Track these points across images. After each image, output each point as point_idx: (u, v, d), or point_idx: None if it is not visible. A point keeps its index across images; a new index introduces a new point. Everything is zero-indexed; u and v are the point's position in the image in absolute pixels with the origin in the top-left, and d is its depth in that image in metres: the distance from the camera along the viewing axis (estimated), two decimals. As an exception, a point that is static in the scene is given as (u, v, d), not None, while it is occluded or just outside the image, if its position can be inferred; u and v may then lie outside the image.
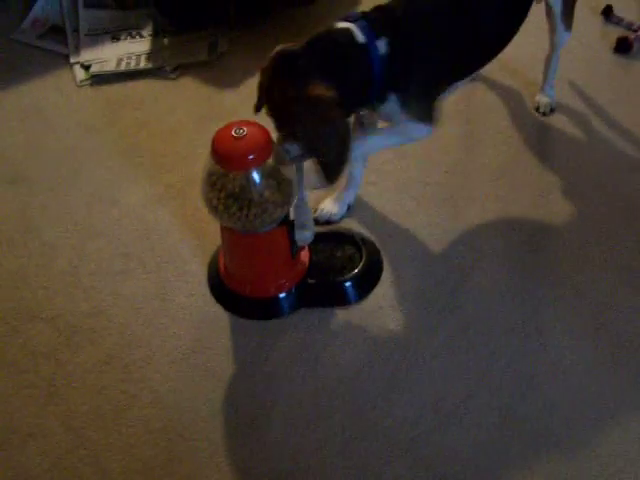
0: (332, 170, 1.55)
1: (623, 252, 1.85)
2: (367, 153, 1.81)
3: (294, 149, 1.56)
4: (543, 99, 2.19)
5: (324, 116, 1.49)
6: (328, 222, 1.91)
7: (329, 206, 1.92)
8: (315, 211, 1.92)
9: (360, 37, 1.54)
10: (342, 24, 1.57)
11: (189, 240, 1.91)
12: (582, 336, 1.69)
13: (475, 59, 1.80)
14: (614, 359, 1.65)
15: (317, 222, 1.88)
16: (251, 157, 1.51)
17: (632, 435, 1.53)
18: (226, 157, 1.52)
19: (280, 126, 1.57)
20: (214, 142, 1.53)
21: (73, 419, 1.59)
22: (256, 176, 1.55)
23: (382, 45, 1.56)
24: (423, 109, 1.67)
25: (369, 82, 1.57)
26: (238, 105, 2.27)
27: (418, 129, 1.69)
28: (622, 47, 2.39)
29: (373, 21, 1.57)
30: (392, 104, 1.63)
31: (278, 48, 1.55)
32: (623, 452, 1.50)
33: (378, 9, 1.62)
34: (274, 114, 1.56)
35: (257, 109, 1.62)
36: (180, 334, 1.72)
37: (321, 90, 1.47)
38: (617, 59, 2.39)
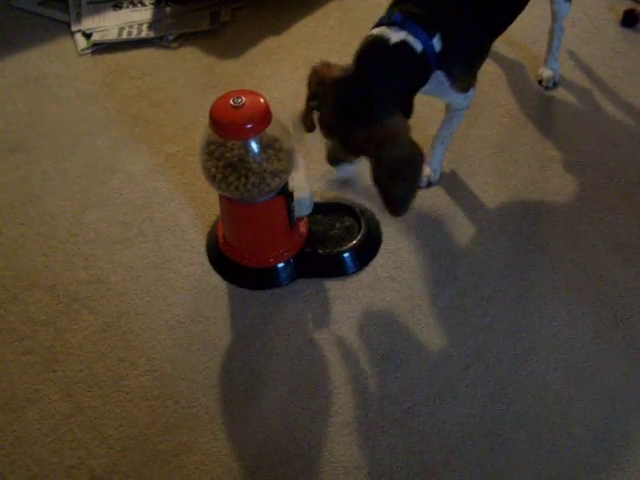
0: (401, 202, 1.52)
1: (623, 228, 1.84)
2: (441, 158, 1.93)
3: (350, 170, 1.58)
4: (546, 72, 2.17)
5: (407, 156, 1.46)
6: (429, 185, 1.93)
7: (424, 170, 1.90)
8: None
9: (418, 46, 1.49)
10: (395, 35, 1.48)
11: (189, 209, 1.91)
12: (579, 311, 1.69)
13: (504, 19, 1.78)
14: (611, 335, 1.65)
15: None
16: (249, 126, 1.50)
17: (627, 410, 1.53)
18: (224, 126, 1.51)
19: (347, 152, 1.52)
20: (212, 111, 1.52)
21: (71, 386, 1.61)
22: (254, 145, 1.54)
23: (437, 42, 1.52)
24: (470, 82, 1.71)
25: (427, 78, 1.57)
26: (240, 75, 2.26)
27: (467, 98, 1.75)
28: (629, 20, 2.36)
29: (420, 17, 1.51)
30: (439, 78, 1.62)
31: (325, 72, 1.50)
32: (618, 427, 1.51)
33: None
34: (342, 144, 1.50)
35: (309, 130, 1.59)
36: (178, 303, 1.73)
37: (400, 125, 1.45)
38: (623, 32, 2.36)
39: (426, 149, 1.94)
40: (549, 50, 2.15)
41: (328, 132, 1.51)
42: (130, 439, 1.53)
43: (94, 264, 1.82)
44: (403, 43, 1.48)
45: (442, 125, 1.86)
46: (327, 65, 1.52)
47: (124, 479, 1.48)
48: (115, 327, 1.70)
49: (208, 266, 1.80)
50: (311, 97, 1.55)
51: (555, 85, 2.18)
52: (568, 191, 1.92)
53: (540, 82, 2.18)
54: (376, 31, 1.51)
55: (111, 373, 1.62)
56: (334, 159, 1.58)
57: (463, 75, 1.67)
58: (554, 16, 2.08)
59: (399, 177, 1.48)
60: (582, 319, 1.67)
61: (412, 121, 1.51)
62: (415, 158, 1.49)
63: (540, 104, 2.14)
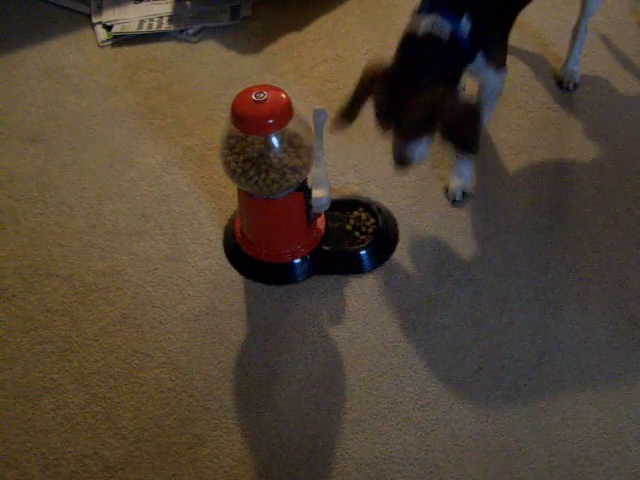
0: (474, 143, 1.63)
1: (637, 237, 1.83)
2: (470, 165, 1.92)
3: (421, 148, 1.61)
4: (567, 74, 2.16)
5: (465, 108, 1.60)
6: (464, 195, 1.91)
7: (457, 182, 1.91)
8: (447, 191, 1.92)
9: (446, 30, 1.55)
10: (424, 22, 1.56)
11: (206, 203, 1.92)
12: (595, 314, 1.68)
13: None
14: (627, 338, 1.64)
15: (454, 201, 1.90)
16: (270, 121, 1.51)
17: (639, 418, 1.54)
18: (245, 120, 1.51)
19: (408, 132, 1.59)
20: (234, 105, 1.52)
21: (86, 376, 1.62)
22: (275, 141, 1.55)
23: (465, 23, 1.58)
24: (502, 56, 1.76)
25: (464, 58, 1.63)
26: (259, 70, 2.26)
27: (500, 78, 1.79)
28: (650, 24, 2.35)
29: (447, 1, 1.59)
30: (479, 60, 1.67)
31: (376, 67, 1.60)
32: (632, 430, 1.51)
33: None
34: (401, 124, 1.58)
35: (350, 120, 1.66)
36: (194, 296, 1.74)
37: (447, 89, 1.55)
38: (644, 36, 2.35)
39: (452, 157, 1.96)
40: (571, 51, 2.14)
41: (384, 118, 1.59)
42: (144, 431, 1.54)
43: (111, 255, 1.82)
44: (431, 27, 1.56)
45: None
46: (377, 62, 1.61)
47: (137, 470, 1.49)
48: (131, 319, 1.70)
49: (224, 260, 1.80)
50: (360, 90, 1.63)
51: (575, 87, 2.16)
52: (586, 194, 1.91)
53: (560, 84, 2.17)
54: (410, 20, 1.61)
55: (126, 365, 1.63)
56: (400, 156, 1.62)
57: (497, 47, 1.72)
58: (583, 11, 2.06)
59: (465, 128, 1.59)
60: (598, 322, 1.67)
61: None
62: (472, 106, 1.64)
63: (560, 106, 2.13)
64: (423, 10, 1.60)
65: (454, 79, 1.63)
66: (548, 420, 1.52)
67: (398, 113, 1.56)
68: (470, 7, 1.58)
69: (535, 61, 2.26)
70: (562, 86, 2.17)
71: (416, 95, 1.53)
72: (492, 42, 1.70)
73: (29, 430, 1.54)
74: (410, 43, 1.59)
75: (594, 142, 2.04)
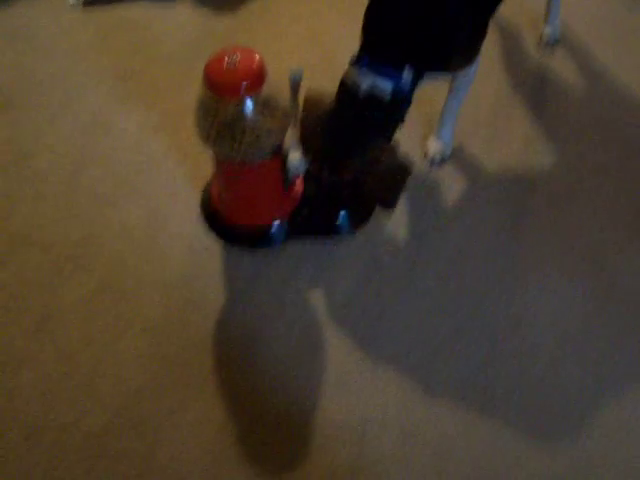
0: (395, 199, 1.61)
1: (616, 198, 1.83)
2: (451, 132, 1.89)
3: (302, 165, 1.62)
4: (547, 29, 2.14)
5: (402, 162, 1.59)
6: (443, 161, 1.89)
7: (436, 146, 1.89)
8: (425, 155, 1.90)
9: (388, 87, 1.51)
10: (365, 82, 1.50)
11: (183, 168, 1.89)
12: (574, 280, 1.69)
13: None
14: (604, 306, 1.65)
15: (432, 164, 1.89)
16: (244, 84, 1.48)
17: (617, 376, 1.55)
18: (219, 84, 1.48)
19: (335, 171, 1.58)
20: (207, 68, 1.49)
21: (65, 346, 1.61)
22: (249, 104, 1.51)
23: (407, 73, 1.52)
24: (473, 58, 1.68)
25: (407, 104, 1.58)
26: (235, 30, 2.22)
27: (472, 71, 1.72)
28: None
29: (386, 52, 1.52)
30: (436, 74, 1.62)
31: (317, 102, 1.58)
32: (608, 391, 1.52)
33: (378, 36, 1.54)
34: (334, 165, 1.56)
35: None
36: (172, 263, 1.72)
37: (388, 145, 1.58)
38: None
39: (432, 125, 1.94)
40: (548, 12, 2.13)
41: (319, 158, 1.57)
42: (125, 398, 1.53)
43: (87, 224, 1.80)
44: (372, 89, 1.51)
45: (448, 97, 1.81)
46: (318, 95, 1.59)
47: (119, 438, 1.49)
48: (109, 287, 1.69)
49: (202, 226, 1.78)
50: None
51: (556, 42, 2.15)
52: (566, 157, 1.90)
53: (541, 38, 2.16)
54: (349, 73, 1.54)
55: (106, 333, 1.62)
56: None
57: (464, 63, 1.67)
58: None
59: (393, 184, 1.59)
60: (577, 288, 1.67)
61: (416, 98, 1.56)
62: (409, 165, 1.59)
63: (538, 69, 2.11)
64: (361, 63, 1.52)
65: (393, 130, 1.60)
66: (527, 380, 1.54)
67: (336, 161, 1.55)
68: (412, 58, 1.52)
69: (513, 25, 2.23)
70: (542, 41, 2.15)
71: (359, 150, 1.52)
72: (459, 60, 1.65)
73: (10, 400, 1.54)
74: (351, 98, 1.53)
75: (575, 106, 2.02)
